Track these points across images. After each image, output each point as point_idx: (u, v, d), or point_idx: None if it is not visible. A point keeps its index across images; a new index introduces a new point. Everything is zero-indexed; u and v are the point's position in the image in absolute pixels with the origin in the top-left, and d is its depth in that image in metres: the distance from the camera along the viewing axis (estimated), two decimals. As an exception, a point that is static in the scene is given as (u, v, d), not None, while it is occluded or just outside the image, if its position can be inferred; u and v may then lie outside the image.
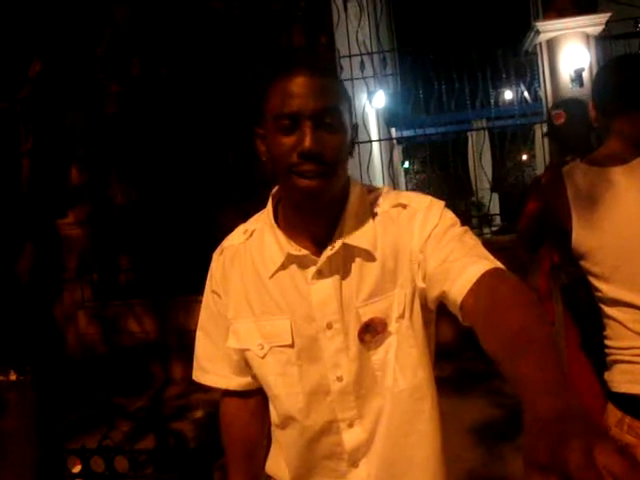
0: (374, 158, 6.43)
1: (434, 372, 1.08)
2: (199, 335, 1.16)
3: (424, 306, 1.00)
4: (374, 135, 7.61)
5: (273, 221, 1.03)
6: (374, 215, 1.01)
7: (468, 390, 3.93)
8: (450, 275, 0.89)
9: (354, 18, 6.13)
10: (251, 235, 1.08)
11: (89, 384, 5.04)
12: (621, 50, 6.58)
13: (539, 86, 6.46)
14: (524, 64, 6.60)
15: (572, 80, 5.92)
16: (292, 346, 1.00)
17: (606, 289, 1.39)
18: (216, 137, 5.42)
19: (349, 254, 0.99)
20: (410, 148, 15.22)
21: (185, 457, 2.71)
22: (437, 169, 12.07)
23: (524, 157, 15.90)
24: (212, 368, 1.14)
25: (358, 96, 6.18)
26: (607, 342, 1.42)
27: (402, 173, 14.23)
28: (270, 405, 1.10)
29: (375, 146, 6.43)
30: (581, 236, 1.42)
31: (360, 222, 1.00)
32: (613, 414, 1.38)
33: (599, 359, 1.46)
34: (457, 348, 4.11)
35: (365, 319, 0.98)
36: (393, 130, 10.52)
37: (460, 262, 0.90)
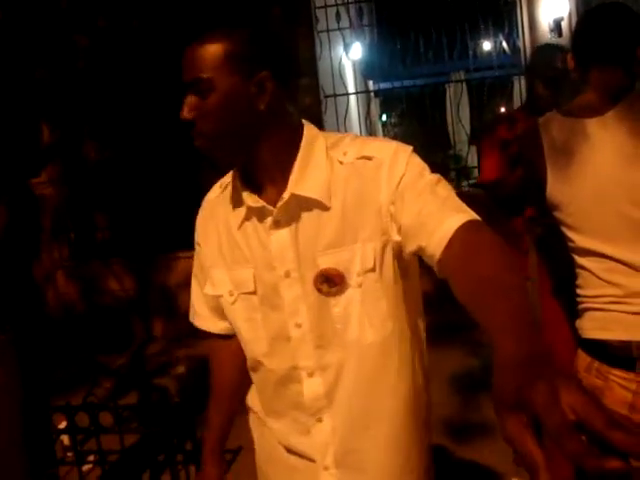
0: (351, 111, 6.37)
1: (415, 324, 1.10)
2: (193, 281, 1.23)
3: (399, 258, 1.01)
4: (351, 88, 7.51)
5: (238, 175, 1.07)
6: (336, 165, 1.01)
7: (446, 341, 4.02)
8: (426, 229, 0.90)
9: (330, -34, 5.96)
10: (225, 189, 1.12)
11: (70, 343, 5.05)
12: (599, -1, 6.50)
13: (518, 37, 6.39)
14: (503, 14, 6.51)
15: (551, 30, 5.86)
16: (255, 293, 1.06)
17: (578, 239, 1.42)
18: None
19: (304, 204, 1.00)
20: (387, 101, 15.05)
21: (168, 411, 2.76)
22: (415, 122, 11.99)
23: (502, 109, 15.85)
24: (201, 312, 1.22)
25: (334, 48, 6.07)
26: (578, 291, 1.46)
27: (380, 126, 14.11)
28: (243, 349, 1.16)
29: (352, 99, 6.37)
30: (555, 187, 1.43)
31: (314, 171, 1.00)
32: (582, 359, 1.44)
33: (571, 308, 1.50)
34: (435, 300, 4.18)
35: (321, 269, 1.00)
36: (370, 82, 10.38)
37: (435, 216, 0.90)
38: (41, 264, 5.48)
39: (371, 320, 1.02)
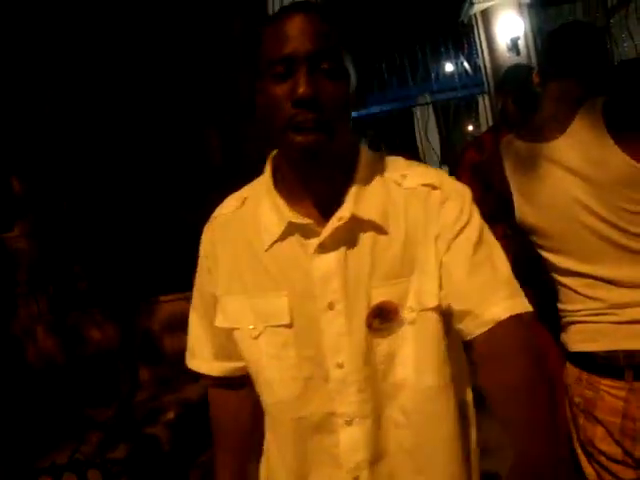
0: (322, 142, 6.43)
1: (466, 371, 1.01)
2: (191, 316, 1.07)
3: None
4: (320, 118, 7.60)
5: (272, 187, 0.93)
6: (392, 187, 0.92)
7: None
8: (480, 298, 0.87)
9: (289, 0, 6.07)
10: (243, 203, 0.98)
11: (54, 398, 4.93)
12: (553, 17, 6.72)
13: (478, 57, 6.55)
14: (462, 37, 6.68)
15: (509, 49, 6.03)
16: (290, 326, 0.91)
17: (556, 260, 1.43)
18: (164, 132, 5.31)
19: (358, 227, 0.89)
20: (356, 128, 15.25)
21: (159, 462, 2.69)
22: (385, 147, 12.14)
23: (470, 128, 16.14)
24: (199, 352, 1.05)
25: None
26: (560, 306, 1.47)
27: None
28: (261, 393, 0.99)
29: (322, 130, 6.42)
30: (523, 211, 1.45)
31: (371, 192, 0.90)
32: (571, 372, 1.44)
33: (553, 323, 1.51)
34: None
35: (377, 302, 0.88)
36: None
37: (487, 290, 0.87)
38: (19, 320, 5.37)
39: (430, 361, 0.90)
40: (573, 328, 1.43)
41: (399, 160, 0.98)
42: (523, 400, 0.79)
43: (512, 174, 1.46)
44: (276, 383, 0.94)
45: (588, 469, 1.43)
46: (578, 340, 1.42)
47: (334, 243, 0.89)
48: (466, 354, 0.95)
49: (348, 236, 0.89)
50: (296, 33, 0.82)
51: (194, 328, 1.07)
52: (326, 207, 0.90)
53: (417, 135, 11.19)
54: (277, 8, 5.68)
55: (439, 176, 0.94)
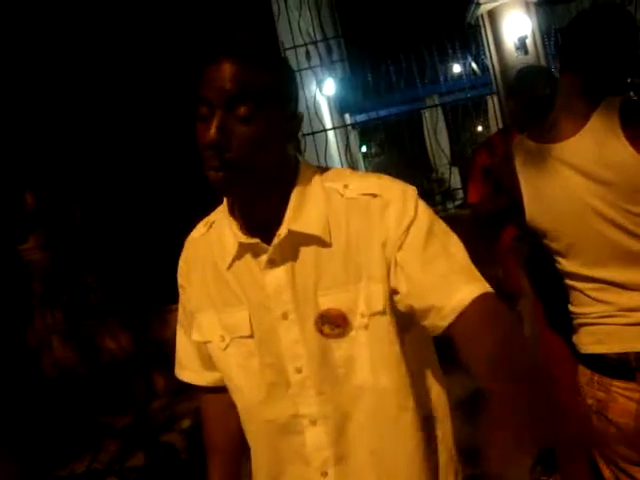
0: (331, 146, 6.44)
1: (434, 367, 1.06)
2: (178, 330, 1.15)
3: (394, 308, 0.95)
4: (328, 123, 7.61)
5: (227, 211, 1.00)
6: (334, 197, 0.96)
7: (450, 368, 3.98)
8: (439, 291, 0.88)
9: (294, 8, 6.10)
10: (211, 227, 1.06)
11: (71, 407, 4.96)
12: (561, 14, 6.69)
13: (485, 57, 6.52)
14: (469, 37, 6.66)
15: (517, 48, 5.99)
16: (252, 337, 0.99)
17: (565, 264, 1.42)
18: (175, 142, 5.34)
19: (302, 241, 0.94)
20: (366, 132, 15.24)
21: (177, 469, 2.70)
22: (395, 150, 12.13)
23: (479, 128, 16.08)
24: (188, 364, 1.14)
25: (307, 86, 6.17)
26: (571, 308, 1.45)
27: (361, 157, 14.24)
28: (234, 399, 1.06)
29: (330, 134, 6.43)
30: (533, 213, 1.43)
31: (312, 206, 0.95)
32: (583, 374, 1.43)
33: (566, 323, 1.49)
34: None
35: (322, 309, 0.94)
36: (347, 116, 10.52)
37: (449, 279, 0.89)
38: (34, 330, 5.41)
39: (384, 363, 0.95)
40: (584, 330, 1.42)
41: (344, 171, 1.03)
42: (504, 361, 0.81)
43: (523, 175, 1.44)
44: (244, 389, 1.02)
45: (606, 472, 1.42)
46: (589, 342, 1.40)
47: (282, 258, 0.95)
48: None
49: (293, 250, 0.95)
50: (217, 77, 0.87)
51: (182, 342, 1.14)
52: (270, 226, 0.95)
53: (426, 137, 11.17)
54: (282, 8, 5.71)
55: (379, 183, 0.97)
